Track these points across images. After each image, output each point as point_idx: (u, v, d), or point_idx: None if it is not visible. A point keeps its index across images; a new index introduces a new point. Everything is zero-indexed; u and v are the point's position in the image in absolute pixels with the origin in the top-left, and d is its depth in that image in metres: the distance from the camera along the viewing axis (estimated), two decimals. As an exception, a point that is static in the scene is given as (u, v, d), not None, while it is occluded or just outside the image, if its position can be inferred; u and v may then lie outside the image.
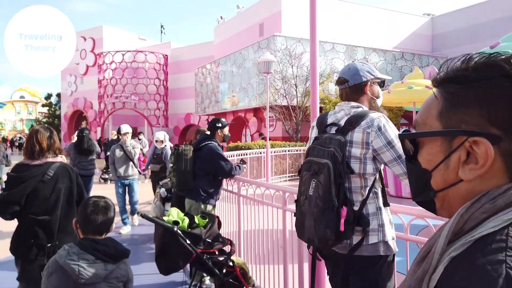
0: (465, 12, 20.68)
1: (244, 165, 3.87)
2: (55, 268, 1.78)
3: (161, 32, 36.38)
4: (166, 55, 26.08)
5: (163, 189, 5.21)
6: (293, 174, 12.90)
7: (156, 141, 7.28)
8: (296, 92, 13.68)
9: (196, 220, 2.77)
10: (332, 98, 14.96)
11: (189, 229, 2.68)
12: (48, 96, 31.85)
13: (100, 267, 1.80)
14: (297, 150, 13.16)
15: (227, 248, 2.91)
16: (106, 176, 12.10)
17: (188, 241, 2.57)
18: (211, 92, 20.68)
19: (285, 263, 2.85)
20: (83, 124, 29.83)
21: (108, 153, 7.76)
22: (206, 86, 21.25)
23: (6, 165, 8.87)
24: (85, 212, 1.89)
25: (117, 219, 6.04)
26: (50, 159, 2.62)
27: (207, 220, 2.81)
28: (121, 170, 6.07)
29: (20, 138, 40.02)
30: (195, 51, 25.07)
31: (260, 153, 11.62)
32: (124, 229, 6.06)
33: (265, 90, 15.77)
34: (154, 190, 8.02)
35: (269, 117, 17.15)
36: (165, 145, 7.41)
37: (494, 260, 0.47)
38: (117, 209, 6.49)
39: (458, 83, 0.60)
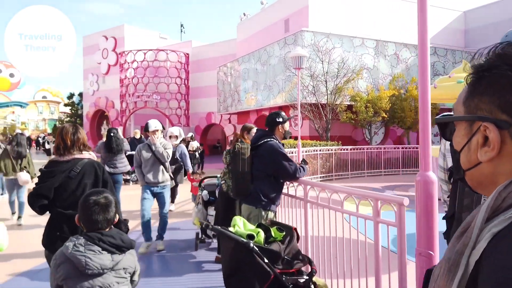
0: (499, 5, 19.65)
1: (307, 166, 3.37)
2: (62, 260, 1.82)
3: (181, 31, 36.16)
4: (187, 54, 25.84)
5: (205, 192, 4.77)
6: (326, 175, 12.34)
7: (170, 136, 6.78)
8: (327, 89, 13.11)
9: (273, 233, 2.29)
10: (363, 96, 14.32)
11: (266, 245, 2.20)
12: (71, 96, 32.07)
13: (106, 257, 1.83)
14: (328, 150, 12.59)
15: (306, 268, 2.42)
16: (128, 177, 11.71)
17: (265, 260, 2.09)
18: (234, 90, 20.27)
19: (378, 279, 2.35)
20: (105, 124, 29.93)
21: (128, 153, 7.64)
22: (229, 84, 20.85)
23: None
24: (86, 212, 1.89)
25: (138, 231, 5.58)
26: (77, 156, 2.74)
27: (284, 233, 2.32)
28: (150, 176, 4.91)
29: (44, 137, 40.60)
30: (217, 49, 24.72)
31: (292, 152, 11.09)
32: (161, 243, 4.97)
33: (291, 88, 15.26)
34: (173, 195, 7.43)
35: (295, 115, 16.62)
36: (180, 142, 7.28)
37: None
38: (136, 219, 5.93)
39: (476, 73, 0.66)
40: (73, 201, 2.52)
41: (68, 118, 32.44)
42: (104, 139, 6.91)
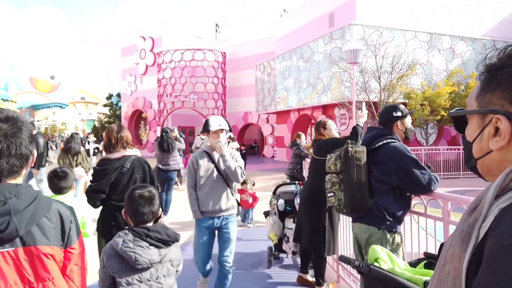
0: None
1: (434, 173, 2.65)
2: (112, 253, 1.89)
3: (216, 31, 35.88)
4: (224, 53, 25.49)
5: (281, 201, 4.16)
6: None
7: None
8: (380, 86, 12.24)
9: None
10: (418, 92, 13.30)
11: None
12: (109, 96, 32.59)
13: (154, 252, 1.89)
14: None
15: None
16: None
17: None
18: (273, 89, 19.65)
19: None
20: (142, 124, 30.19)
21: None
22: (268, 83, 20.26)
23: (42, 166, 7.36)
24: (132, 205, 1.97)
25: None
26: (126, 153, 3.00)
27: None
28: (209, 202, 3.22)
29: (86, 137, 41.65)
30: (255, 47, 24.19)
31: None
32: None
33: (338, 85, 14.44)
34: None
35: (341, 114, 15.79)
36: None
37: None
38: (186, 229, 5.55)
39: (489, 71, 0.73)
40: (125, 194, 2.64)
41: (107, 119, 32.95)
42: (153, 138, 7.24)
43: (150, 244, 1.89)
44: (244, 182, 6.32)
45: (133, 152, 3.09)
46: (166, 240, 1.95)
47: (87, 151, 13.34)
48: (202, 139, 11.96)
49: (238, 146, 13.53)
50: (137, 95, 28.55)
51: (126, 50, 29.44)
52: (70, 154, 6.85)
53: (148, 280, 1.91)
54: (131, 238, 1.89)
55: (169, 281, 1.98)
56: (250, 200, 6.44)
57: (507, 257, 0.55)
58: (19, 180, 1.30)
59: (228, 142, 13.31)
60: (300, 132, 7.40)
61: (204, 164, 3.27)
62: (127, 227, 1.98)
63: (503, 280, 0.54)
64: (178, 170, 7.35)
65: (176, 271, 2.06)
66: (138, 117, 29.62)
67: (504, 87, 0.70)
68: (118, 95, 32.11)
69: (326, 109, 16.77)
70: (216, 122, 3.32)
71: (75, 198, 3.14)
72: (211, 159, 3.30)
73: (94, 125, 34.57)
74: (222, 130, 3.30)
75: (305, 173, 6.93)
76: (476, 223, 0.64)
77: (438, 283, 0.69)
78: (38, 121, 47.78)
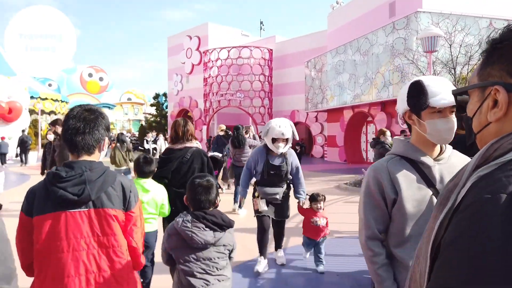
0: None
1: None
2: (173, 232, 2.12)
3: (260, 29, 35.36)
4: (270, 50, 24.82)
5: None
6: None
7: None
8: (455, 78, 10.97)
9: None
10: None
11: None
12: (156, 96, 32.97)
13: (209, 234, 2.08)
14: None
15: None
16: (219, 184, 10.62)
17: None
18: (325, 85, 18.66)
19: None
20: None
21: (211, 153, 8.19)
22: (319, 79, 19.30)
23: None
24: (193, 192, 2.16)
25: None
26: (188, 144, 3.33)
27: None
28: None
29: (131, 136, 42.69)
30: (304, 43, 23.29)
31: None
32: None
33: (402, 78, 13.26)
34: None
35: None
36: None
37: (509, 174, 0.59)
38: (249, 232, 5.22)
39: (490, 46, 0.75)
40: (184, 182, 2.88)
41: (154, 118, 33.38)
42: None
43: (206, 226, 2.07)
44: (313, 199, 4.27)
45: (194, 144, 3.38)
46: (221, 224, 2.11)
47: (147, 151, 13.08)
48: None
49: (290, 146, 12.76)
50: (183, 94, 28.59)
51: (173, 50, 29.60)
52: (122, 150, 7.71)
53: (203, 260, 2.08)
54: (190, 219, 2.09)
55: (222, 262, 2.14)
56: (323, 223, 4.20)
57: (468, 215, 0.59)
58: (93, 158, 1.66)
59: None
60: (384, 129, 6.48)
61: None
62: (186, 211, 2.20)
63: (462, 235, 0.58)
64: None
65: (230, 257, 2.22)
66: (184, 116, 29.66)
67: (503, 60, 0.71)
68: (165, 94, 32.40)
69: (386, 106, 15.58)
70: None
71: (156, 183, 3.32)
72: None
73: (142, 124, 35.20)
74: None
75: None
76: (456, 188, 0.67)
77: (421, 240, 0.74)
78: (88, 121, 49.58)
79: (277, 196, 4.16)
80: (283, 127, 3.93)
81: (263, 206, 4.11)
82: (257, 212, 4.19)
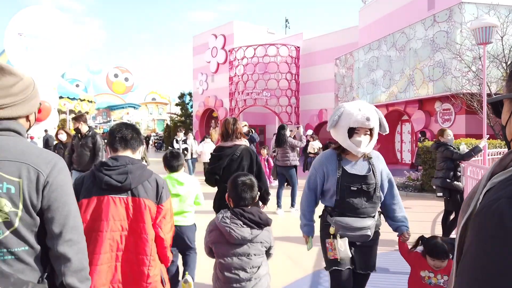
0: None
1: None
2: (214, 227, 2.22)
3: (286, 27, 34.72)
4: (298, 47, 24.20)
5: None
6: None
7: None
8: (506, 73, 10.10)
9: None
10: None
11: None
12: (181, 96, 32.89)
13: (246, 231, 2.14)
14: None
15: None
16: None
17: None
18: (357, 83, 17.91)
19: None
20: (213, 123, 29.94)
21: None
22: (350, 77, 18.55)
23: None
24: (235, 190, 2.23)
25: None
26: (237, 142, 3.47)
27: None
28: None
29: (156, 135, 42.98)
30: (333, 40, 22.56)
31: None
32: None
33: (444, 74, 12.44)
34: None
35: (445, 109, 13.70)
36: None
37: None
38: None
39: None
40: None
41: (178, 118, 33.33)
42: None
43: (244, 223, 2.15)
44: (432, 252, 2.57)
45: (243, 142, 3.50)
46: (258, 222, 2.17)
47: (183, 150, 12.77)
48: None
49: (320, 146, 12.04)
50: (208, 93, 28.35)
51: (198, 49, 29.41)
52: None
53: (240, 255, 2.15)
54: (229, 215, 2.18)
55: (258, 259, 2.19)
56: (440, 282, 2.59)
57: (480, 219, 0.63)
58: (135, 156, 2.07)
59: (308, 141, 11.95)
60: (444, 128, 5.78)
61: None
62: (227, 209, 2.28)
63: (475, 241, 0.62)
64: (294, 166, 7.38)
65: (269, 254, 2.28)
66: (209, 116, 29.44)
67: None
68: (190, 94, 32.28)
69: (424, 103, 14.72)
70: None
71: (188, 175, 3.46)
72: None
73: (167, 124, 35.25)
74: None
75: (468, 181, 5.35)
76: (475, 195, 0.71)
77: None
78: (114, 120, 50.37)
79: (368, 232, 2.48)
80: (366, 109, 2.52)
81: (344, 250, 2.48)
82: (332, 262, 2.52)
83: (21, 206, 1.30)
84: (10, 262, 1.28)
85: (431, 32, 13.06)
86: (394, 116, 16.99)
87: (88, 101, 37.68)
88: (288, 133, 9.87)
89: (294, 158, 7.30)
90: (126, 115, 58.78)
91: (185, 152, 10.46)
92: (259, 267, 2.17)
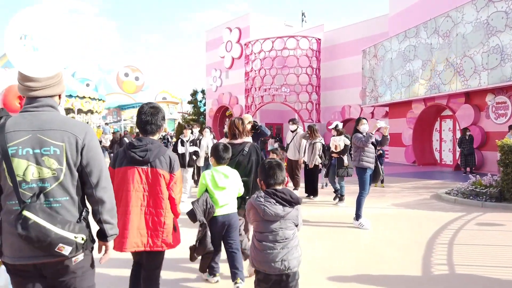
0: None
1: None
2: (250, 206, 2.52)
3: (302, 20, 32.99)
4: (319, 39, 22.55)
5: None
6: None
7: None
8: None
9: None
10: None
11: None
12: (194, 93, 31.46)
13: (279, 208, 2.42)
14: None
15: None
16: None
17: None
18: (390, 75, 16.20)
19: None
20: (227, 121, 28.47)
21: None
22: (382, 68, 16.84)
23: None
24: (265, 173, 2.53)
25: None
26: (245, 139, 3.88)
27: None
28: None
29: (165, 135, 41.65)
30: (358, 30, 20.84)
31: None
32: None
33: (502, 62, 10.70)
34: None
35: (499, 102, 11.95)
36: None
37: None
38: None
39: None
40: (246, 171, 3.70)
41: (192, 116, 31.91)
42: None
43: (276, 202, 2.42)
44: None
45: (249, 139, 3.98)
46: (289, 200, 2.45)
47: (181, 155, 10.58)
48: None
49: (347, 143, 10.19)
50: (222, 90, 26.87)
51: (211, 44, 27.94)
52: None
53: (274, 230, 2.44)
54: (263, 195, 2.47)
55: (289, 232, 2.46)
56: None
57: None
58: (154, 137, 2.69)
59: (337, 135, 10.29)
60: None
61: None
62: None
63: None
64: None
65: (296, 226, 2.52)
66: (223, 114, 27.95)
67: None
68: (203, 91, 30.83)
69: (471, 96, 12.97)
70: None
71: (230, 168, 3.53)
72: None
73: (179, 123, 33.86)
74: None
75: None
76: None
77: None
78: (124, 120, 49.30)
79: None
80: None
81: None
82: None
83: (65, 164, 1.75)
84: (56, 208, 1.72)
85: (485, 13, 11.33)
86: (432, 111, 15.25)
87: (98, 99, 36.56)
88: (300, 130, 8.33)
89: (355, 159, 5.86)
90: (137, 114, 57.76)
91: (194, 157, 8.17)
92: (289, 239, 2.46)
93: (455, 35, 12.50)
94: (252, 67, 23.02)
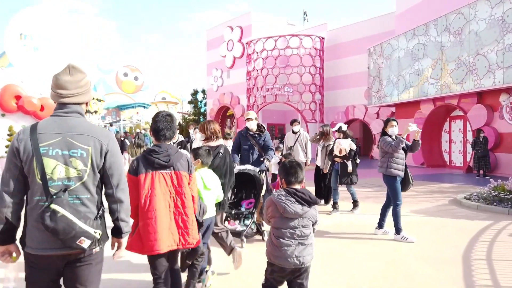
0: None
1: None
2: (270, 203, 2.67)
3: (304, 19, 32.51)
4: (322, 38, 22.10)
5: None
6: None
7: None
8: None
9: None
10: None
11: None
12: (194, 93, 30.95)
13: (298, 207, 2.58)
14: None
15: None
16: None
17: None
18: (397, 74, 15.76)
19: None
20: (228, 122, 28.00)
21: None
22: (389, 67, 16.40)
23: None
24: (286, 172, 2.70)
25: None
26: (219, 142, 3.94)
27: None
28: None
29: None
30: (364, 29, 20.40)
31: None
32: None
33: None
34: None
35: (511, 102, 11.51)
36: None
37: None
38: None
39: None
40: (220, 173, 3.71)
41: (192, 117, 31.42)
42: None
43: (296, 201, 2.59)
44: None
45: (222, 142, 4.01)
46: (308, 200, 2.61)
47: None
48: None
49: (353, 147, 9.49)
50: (223, 90, 26.40)
51: (212, 43, 27.47)
52: (136, 147, 9.02)
53: (292, 227, 2.59)
54: (284, 193, 2.63)
55: (306, 231, 2.62)
56: None
57: None
58: (170, 143, 2.81)
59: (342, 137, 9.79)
60: None
61: None
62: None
63: None
64: None
65: (314, 228, 2.70)
66: (224, 114, 27.48)
67: None
68: (204, 91, 30.34)
69: (483, 96, 12.54)
70: None
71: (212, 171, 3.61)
72: None
73: (179, 123, 33.39)
74: None
75: None
76: None
77: None
78: (123, 120, 48.76)
79: None
80: None
81: None
82: None
83: (89, 165, 1.92)
84: (78, 204, 1.89)
85: (500, 10, 10.90)
86: (440, 112, 14.81)
87: (97, 99, 36.02)
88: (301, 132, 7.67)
89: (382, 165, 5.23)
90: (136, 114, 57.30)
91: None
92: (307, 237, 2.62)
93: (467, 32, 12.05)
94: (254, 67, 22.56)
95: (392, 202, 5.18)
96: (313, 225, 2.67)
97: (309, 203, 2.59)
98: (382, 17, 19.51)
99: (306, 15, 33.63)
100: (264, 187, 5.20)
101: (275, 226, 2.62)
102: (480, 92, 12.34)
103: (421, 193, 9.16)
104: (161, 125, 2.74)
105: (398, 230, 5.10)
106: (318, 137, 7.81)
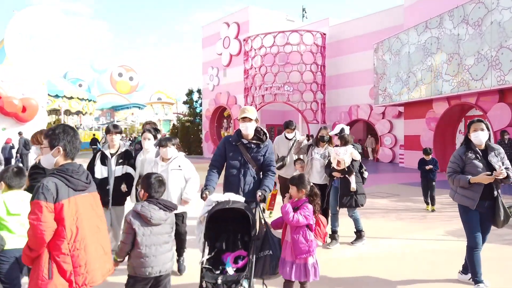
0: None
1: None
2: (133, 214, 2.79)
3: (303, 16, 31.36)
4: (324, 34, 20.92)
5: None
6: None
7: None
8: None
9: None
10: None
11: None
12: (189, 93, 29.70)
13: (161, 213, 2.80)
14: None
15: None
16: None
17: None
18: (407, 71, 14.57)
19: None
20: (225, 123, 26.79)
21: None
22: (398, 64, 15.21)
23: None
24: (153, 186, 2.87)
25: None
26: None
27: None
28: None
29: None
30: (369, 24, 19.23)
31: None
32: None
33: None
34: None
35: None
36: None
37: None
38: None
39: None
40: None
41: (187, 117, 30.17)
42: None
43: (160, 208, 2.78)
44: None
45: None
46: (168, 206, 2.84)
47: None
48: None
49: (358, 157, 7.53)
50: (219, 89, 25.15)
51: (208, 40, 26.22)
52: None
53: (156, 234, 2.76)
54: (146, 204, 2.79)
55: (168, 238, 2.88)
56: None
57: None
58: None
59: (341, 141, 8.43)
60: None
61: None
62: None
63: None
64: None
65: (172, 228, 2.91)
66: (220, 115, 26.24)
67: None
68: (199, 91, 29.10)
69: (506, 94, 11.36)
70: None
71: None
72: None
73: (174, 124, 32.21)
74: None
75: None
76: None
77: None
78: (118, 121, 47.44)
79: None
80: None
81: None
82: None
83: None
84: None
85: (527, -3, 9.72)
86: (455, 111, 13.63)
87: (88, 100, 34.72)
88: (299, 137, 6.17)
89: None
90: (131, 115, 56.02)
91: (123, 187, 4.51)
92: (169, 243, 2.89)
93: (489, 23, 10.87)
94: (251, 64, 21.36)
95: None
96: (172, 227, 2.92)
97: (169, 208, 2.89)
98: (389, 10, 18.37)
99: (305, 12, 32.49)
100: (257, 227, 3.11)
101: (140, 233, 2.77)
102: (502, 90, 11.17)
103: (449, 205, 7.93)
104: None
105: (475, 282, 3.67)
106: (310, 143, 5.73)
